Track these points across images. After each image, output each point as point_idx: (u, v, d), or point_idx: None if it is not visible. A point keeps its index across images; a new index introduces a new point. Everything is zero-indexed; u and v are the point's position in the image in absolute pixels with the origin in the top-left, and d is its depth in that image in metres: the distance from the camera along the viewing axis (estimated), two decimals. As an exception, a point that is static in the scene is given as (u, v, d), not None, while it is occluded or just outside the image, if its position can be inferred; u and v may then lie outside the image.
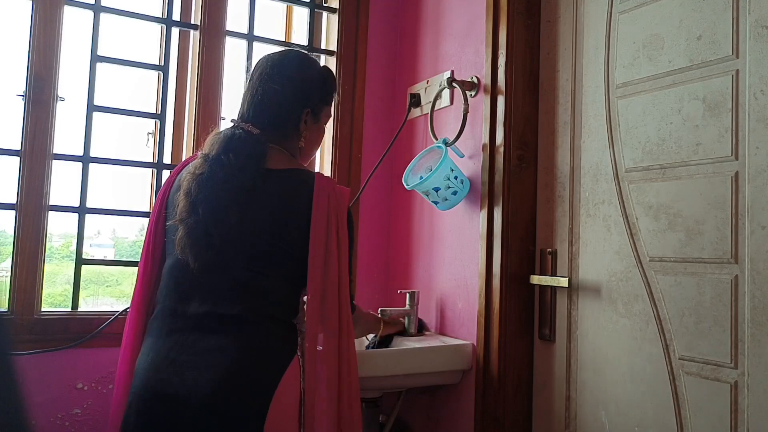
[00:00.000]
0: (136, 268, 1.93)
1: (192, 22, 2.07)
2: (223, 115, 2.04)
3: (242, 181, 1.32)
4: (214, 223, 1.29)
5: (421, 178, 1.81)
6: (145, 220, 1.97)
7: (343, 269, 1.36)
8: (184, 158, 2.06)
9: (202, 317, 1.30)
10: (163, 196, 1.46)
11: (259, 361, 1.28)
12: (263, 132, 1.38)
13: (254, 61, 1.49)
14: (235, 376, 1.25)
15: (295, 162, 1.44)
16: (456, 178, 1.80)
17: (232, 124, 1.42)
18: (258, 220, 1.32)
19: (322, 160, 2.26)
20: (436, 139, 1.92)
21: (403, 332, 1.91)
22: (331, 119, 2.21)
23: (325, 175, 1.44)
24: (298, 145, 1.45)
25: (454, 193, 1.81)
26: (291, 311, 1.37)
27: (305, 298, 1.38)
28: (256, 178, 1.33)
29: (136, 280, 1.47)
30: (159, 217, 1.45)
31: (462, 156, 1.86)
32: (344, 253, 1.37)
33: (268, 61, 1.45)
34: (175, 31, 2.05)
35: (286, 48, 1.51)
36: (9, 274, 1.74)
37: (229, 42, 2.08)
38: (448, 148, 1.83)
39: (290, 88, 1.42)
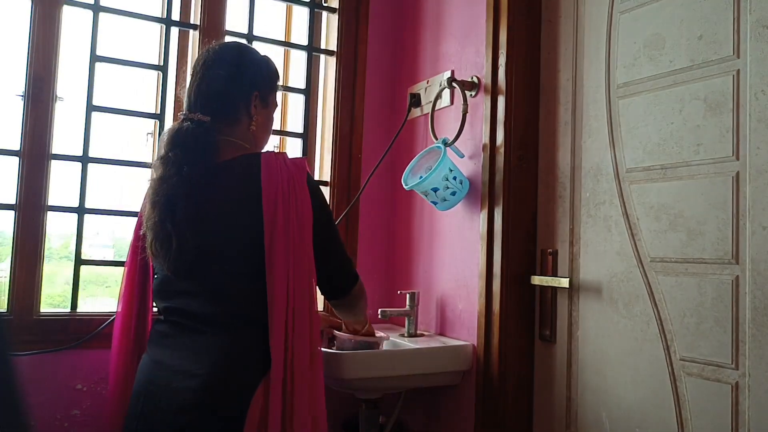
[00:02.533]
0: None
1: (191, 21, 2.07)
2: (222, 115, 2.03)
3: (193, 178, 1.29)
4: (173, 225, 1.28)
5: (421, 178, 1.81)
6: (145, 221, 1.96)
7: (306, 249, 1.31)
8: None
9: (185, 321, 1.32)
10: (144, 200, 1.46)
11: (235, 366, 1.27)
12: (213, 120, 1.36)
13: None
14: (216, 380, 1.25)
15: (246, 149, 1.40)
16: (455, 178, 1.80)
17: (181, 117, 1.39)
18: (215, 216, 1.31)
19: (322, 160, 2.26)
20: (437, 139, 1.92)
21: (373, 346, 1.72)
22: (331, 119, 2.21)
23: (276, 151, 1.40)
24: (249, 130, 1.42)
25: (453, 193, 1.81)
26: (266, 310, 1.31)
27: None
28: (208, 173, 1.31)
29: (123, 284, 1.50)
30: (138, 224, 1.47)
31: (462, 156, 1.86)
32: (307, 231, 1.31)
33: (209, 51, 1.43)
34: (174, 31, 2.05)
35: (225, 41, 1.54)
36: (8, 274, 1.73)
37: (229, 42, 2.07)
38: (447, 148, 1.82)
39: (236, 71, 1.40)
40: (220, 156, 1.34)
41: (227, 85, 1.39)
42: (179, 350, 1.31)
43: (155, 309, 1.45)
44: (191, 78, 1.42)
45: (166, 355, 1.32)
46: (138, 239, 1.43)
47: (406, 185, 1.86)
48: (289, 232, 1.29)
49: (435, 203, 1.84)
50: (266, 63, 1.48)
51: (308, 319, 1.30)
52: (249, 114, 1.41)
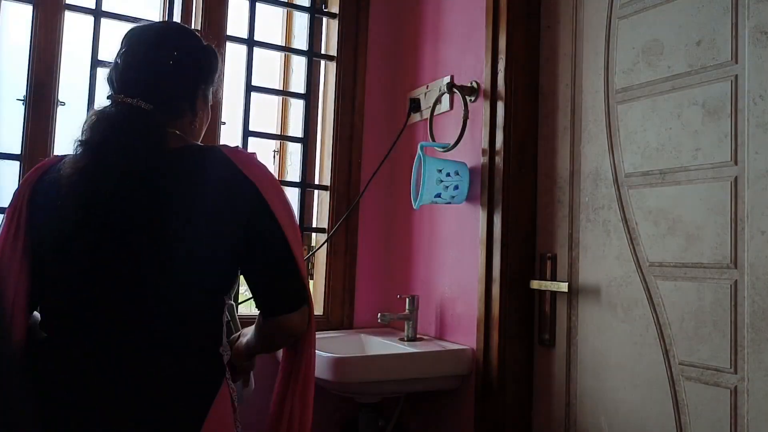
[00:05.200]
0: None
1: (192, 26, 2.07)
2: (223, 119, 2.05)
3: (139, 165, 1.08)
4: (118, 225, 1.07)
5: (420, 194, 1.81)
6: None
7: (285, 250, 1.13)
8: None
9: (107, 348, 1.06)
10: (18, 212, 1.14)
11: (174, 399, 1.06)
12: (155, 109, 1.14)
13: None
14: (150, 415, 1.04)
15: (191, 141, 1.21)
16: (448, 174, 1.80)
17: (110, 100, 1.16)
18: (165, 215, 1.08)
19: (322, 165, 2.26)
20: (434, 141, 1.93)
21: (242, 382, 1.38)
22: (331, 124, 2.22)
23: (222, 145, 1.18)
24: (191, 126, 1.23)
25: (456, 187, 1.81)
26: (215, 335, 1.13)
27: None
28: (157, 160, 1.10)
29: None
30: (16, 236, 1.13)
31: (446, 146, 1.87)
32: (292, 230, 1.14)
33: (150, 30, 1.23)
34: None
35: (162, 21, 1.30)
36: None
37: (230, 47, 2.08)
38: (423, 151, 1.83)
39: (183, 60, 1.20)
40: (167, 144, 1.13)
41: (173, 75, 1.19)
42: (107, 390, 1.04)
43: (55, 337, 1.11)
44: (124, 56, 1.18)
45: (84, 399, 1.03)
46: (10, 242, 1.13)
47: (415, 206, 1.87)
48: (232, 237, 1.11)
49: (450, 203, 1.85)
50: (213, 54, 1.28)
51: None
52: (193, 109, 1.22)
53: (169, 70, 1.18)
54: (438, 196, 1.81)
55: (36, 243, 1.13)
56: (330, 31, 2.30)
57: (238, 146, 1.19)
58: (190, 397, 1.08)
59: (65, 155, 1.16)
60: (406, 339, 1.92)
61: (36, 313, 1.17)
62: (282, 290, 1.16)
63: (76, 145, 1.11)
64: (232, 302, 1.46)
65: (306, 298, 1.17)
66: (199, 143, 1.23)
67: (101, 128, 1.10)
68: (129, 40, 1.20)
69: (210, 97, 1.28)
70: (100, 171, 1.07)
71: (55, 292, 1.12)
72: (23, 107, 1.78)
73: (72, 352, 1.07)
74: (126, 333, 1.06)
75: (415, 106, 2.14)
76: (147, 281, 1.07)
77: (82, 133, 1.11)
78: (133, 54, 1.18)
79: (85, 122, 1.13)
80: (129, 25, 1.93)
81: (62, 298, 1.11)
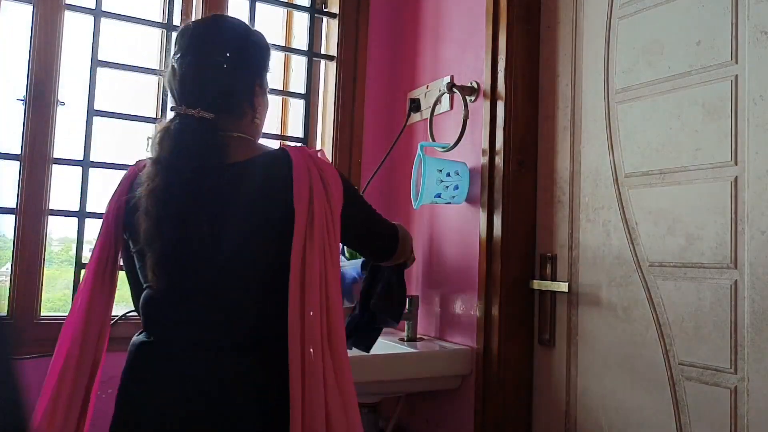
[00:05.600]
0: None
1: (192, 27, 2.07)
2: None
3: (204, 185, 1.12)
4: (187, 243, 1.11)
5: (420, 195, 1.81)
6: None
7: (334, 257, 1.17)
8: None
9: (192, 349, 1.14)
10: (116, 212, 1.25)
11: (249, 394, 1.13)
12: (217, 117, 1.17)
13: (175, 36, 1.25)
14: (230, 409, 1.12)
15: (258, 147, 1.24)
16: (448, 174, 1.80)
17: (174, 112, 1.19)
18: (232, 227, 1.14)
19: (322, 165, 2.26)
20: (434, 141, 1.93)
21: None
22: (331, 124, 2.22)
23: (297, 146, 1.21)
24: (253, 123, 1.26)
25: (456, 187, 1.82)
26: (280, 332, 1.14)
27: None
28: (220, 178, 1.13)
29: (79, 296, 1.28)
30: (116, 237, 1.26)
31: (446, 146, 1.87)
32: (335, 241, 1.18)
33: (201, 32, 1.22)
34: (174, 36, 2.05)
35: (210, 15, 1.32)
36: (9, 278, 1.74)
37: (230, 47, 2.08)
38: (423, 151, 1.83)
39: (239, 61, 1.22)
40: (230, 156, 1.16)
41: (232, 80, 1.21)
42: (194, 378, 1.13)
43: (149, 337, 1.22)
44: (180, 63, 1.19)
45: (173, 382, 1.14)
46: (105, 249, 1.26)
47: (415, 206, 1.87)
48: (322, 239, 1.14)
49: (450, 203, 1.85)
50: (265, 43, 1.30)
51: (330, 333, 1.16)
52: (252, 106, 1.25)
53: (225, 74, 1.20)
54: (438, 196, 1.81)
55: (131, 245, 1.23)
56: (330, 31, 2.30)
57: (301, 147, 1.21)
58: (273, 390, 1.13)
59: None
60: (406, 339, 1.92)
61: None
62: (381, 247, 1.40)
63: (150, 160, 1.16)
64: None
65: (396, 238, 1.41)
66: (264, 149, 1.23)
67: (168, 146, 1.14)
68: (182, 43, 1.21)
69: (265, 85, 1.30)
70: (164, 192, 1.12)
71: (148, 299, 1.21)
72: (23, 107, 1.78)
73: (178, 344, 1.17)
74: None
75: (415, 106, 2.14)
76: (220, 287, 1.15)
77: (152, 150, 1.16)
78: (188, 62, 1.19)
79: (154, 137, 1.17)
80: (129, 25, 1.93)
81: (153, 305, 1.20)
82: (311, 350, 1.10)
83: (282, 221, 1.13)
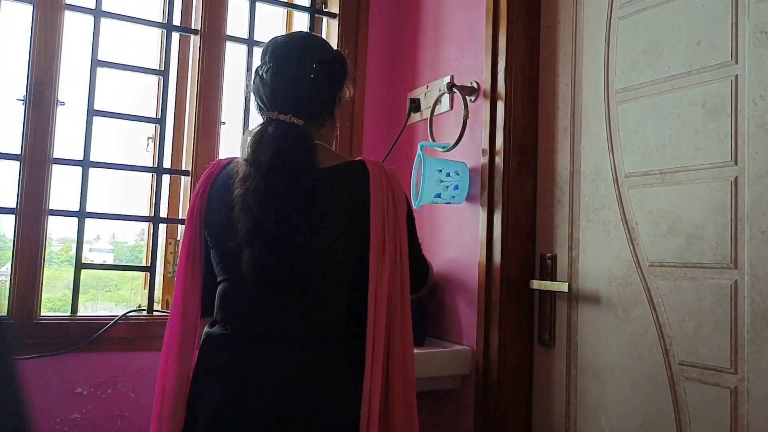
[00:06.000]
0: (142, 274, 1.93)
1: (192, 26, 2.08)
2: (223, 119, 2.05)
3: (303, 187, 1.21)
4: (285, 239, 1.20)
5: (420, 195, 1.81)
6: (145, 225, 1.97)
7: (404, 262, 1.29)
8: (184, 163, 2.06)
9: (278, 340, 1.23)
10: (200, 208, 1.34)
11: (337, 386, 1.23)
12: (306, 123, 1.27)
13: (262, 50, 1.35)
14: (324, 397, 1.22)
15: (339, 155, 1.36)
16: (448, 174, 1.80)
17: (267, 117, 1.28)
18: (325, 228, 1.25)
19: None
20: (434, 141, 1.93)
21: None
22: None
23: (372, 160, 1.33)
24: (332, 132, 1.38)
25: (456, 187, 1.82)
26: (359, 328, 1.26)
27: None
28: (315, 180, 1.22)
29: (177, 294, 1.35)
30: (200, 231, 1.34)
31: (446, 146, 1.87)
32: (405, 244, 1.30)
33: (292, 45, 1.32)
34: (175, 36, 2.06)
35: (299, 32, 1.41)
36: (9, 278, 1.74)
37: (230, 47, 2.08)
38: (423, 150, 1.84)
39: (322, 72, 1.31)
40: (321, 161, 1.26)
41: (316, 89, 1.31)
42: (273, 369, 1.22)
43: (218, 324, 1.30)
44: (272, 73, 1.28)
45: (256, 374, 1.22)
46: (194, 245, 1.34)
47: (415, 206, 1.87)
48: (393, 245, 1.27)
49: (450, 203, 1.85)
50: (345, 61, 1.40)
51: (403, 333, 1.29)
52: (332, 116, 1.37)
53: (313, 85, 1.30)
54: (438, 196, 1.81)
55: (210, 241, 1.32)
56: (330, 31, 2.30)
57: (375, 161, 1.33)
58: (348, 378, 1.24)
59: (233, 159, 1.33)
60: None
61: None
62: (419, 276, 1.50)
63: (244, 161, 1.24)
64: None
65: (428, 271, 1.60)
66: (345, 158, 1.35)
67: (268, 148, 1.22)
68: (273, 55, 1.31)
69: (344, 99, 1.41)
70: (266, 192, 1.20)
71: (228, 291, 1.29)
72: (23, 107, 1.78)
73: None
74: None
75: (415, 106, 2.14)
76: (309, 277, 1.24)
77: (248, 153, 1.23)
78: (280, 71, 1.28)
79: (249, 141, 1.25)
80: (129, 25, 1.93)
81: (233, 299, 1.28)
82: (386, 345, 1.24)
83: (362, 227, 1.26)
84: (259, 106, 1.32)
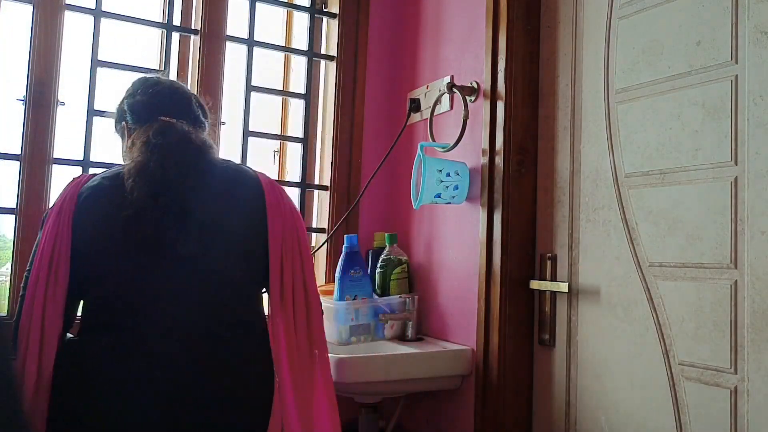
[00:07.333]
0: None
1: (192, 27, 2.08)
2: (223, 119, 2.05)
3: (199, 171, 1.27)
4: (179, 238, 1.21)
5: (420, 195, 1.81)
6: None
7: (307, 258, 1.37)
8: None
9: (168, 335, 1.21)
10: (69, 222, 1.26)
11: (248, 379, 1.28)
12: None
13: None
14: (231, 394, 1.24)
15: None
16: (448, 174, 1.80)
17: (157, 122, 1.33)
18: (223, 215, 1.30)
19: (322, 165, 2.26)
20: (434, 141, 1.93)
21: None
22: (331, 124, 2.22)
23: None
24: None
25: (456, 187, 1.82)
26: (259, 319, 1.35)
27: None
28: (209, 169, 1.31)
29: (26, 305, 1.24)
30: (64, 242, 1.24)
31: (446, 146, 1.87)
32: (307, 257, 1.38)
33: (158, 81, 1.43)
34: (175, 36, 2.06)
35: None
36: (9, 278, 1.74)
37: (230, 47, 2.08)
38: (423, 151, 1.83)
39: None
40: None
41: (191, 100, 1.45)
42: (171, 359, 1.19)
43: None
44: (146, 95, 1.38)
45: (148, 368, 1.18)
46: (56, 244, 1.24)
47: (415, 206, 1.88)
48: (293, 245, 1.35)
49: (450, 203, 1.85)
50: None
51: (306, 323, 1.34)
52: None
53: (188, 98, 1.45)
54: (438, 196, 1.81)
55: (81, 246, 1.25)
56: (330, 31, 2.30)
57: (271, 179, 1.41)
58: (256, 382, 1.28)
59: (94, 175, 1.32)
60: (406, 339, 1.92)
61: None
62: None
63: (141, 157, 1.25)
64: None
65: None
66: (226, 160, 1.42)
67: (161, 135, 1.28)
68: (145, 87, 1.40)
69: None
70: (157, 171, 1.22)
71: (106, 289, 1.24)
72: (23, 107, 1.78)
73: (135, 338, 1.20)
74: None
75: (415, 106, 2.14)
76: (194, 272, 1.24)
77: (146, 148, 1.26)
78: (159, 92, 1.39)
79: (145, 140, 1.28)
80: (129, 25, 1.94)
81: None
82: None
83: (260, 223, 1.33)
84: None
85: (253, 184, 1.35)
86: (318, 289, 1.41)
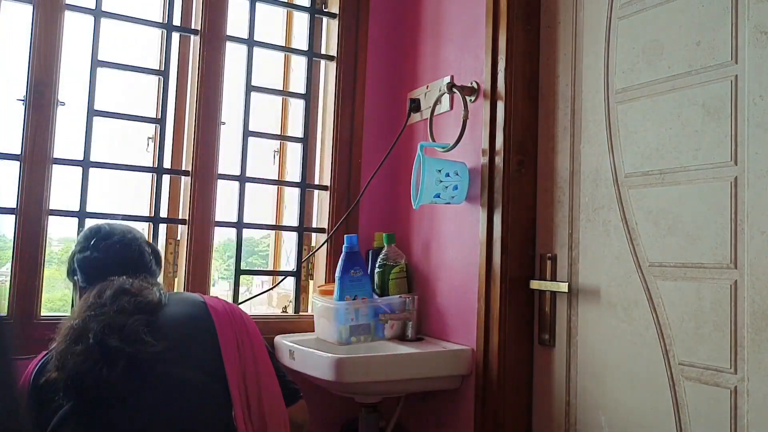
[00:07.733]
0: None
1: (192, 27, 2.08)
2: (223, 119, 2.05)
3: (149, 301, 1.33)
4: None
5: (419, 194, 1.81)
6: (144, 225, 1.97)
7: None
8: (184, 163, 2.06)
9: None
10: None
11: None
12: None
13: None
14: None
15: None
16: (447, 175, 1.80)
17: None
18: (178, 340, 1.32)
19: (322, 165, 2.26)
20: (434, 141, 1.93)
21: None
22: (331, 124, 2.22)
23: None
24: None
25: (456, 187, 1.82)
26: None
27: None
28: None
29: None
30: None
31: (446, 146, 1.87)
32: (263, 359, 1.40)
33: (110, 233, 1.49)
34: (175, 36, 2.06)
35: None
36: (9, 278, 1.74)
37: (230, 47, 2.08)
38: (423, 151, 1.83)
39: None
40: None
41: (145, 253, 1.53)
42: None
43: None
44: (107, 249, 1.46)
45: None
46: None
47: (415, 206, 1.88)
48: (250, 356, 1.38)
49: (449, 203, 1.85)
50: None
51: None
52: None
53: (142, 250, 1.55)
54: (438, 196, 1.81)
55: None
56: (330, 31, 2.30)
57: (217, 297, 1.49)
58: None
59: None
60: (406, 339, 1.92)
61: None
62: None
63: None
64: None
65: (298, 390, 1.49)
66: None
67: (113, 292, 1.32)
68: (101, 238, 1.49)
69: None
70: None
71: None
72: (23, 107, 1.78)
73: None
74: None
75: (415, 106, 2.14)
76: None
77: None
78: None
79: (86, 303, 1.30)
80: (129, 25, 1.94)
81: None
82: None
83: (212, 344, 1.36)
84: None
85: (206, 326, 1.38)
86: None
